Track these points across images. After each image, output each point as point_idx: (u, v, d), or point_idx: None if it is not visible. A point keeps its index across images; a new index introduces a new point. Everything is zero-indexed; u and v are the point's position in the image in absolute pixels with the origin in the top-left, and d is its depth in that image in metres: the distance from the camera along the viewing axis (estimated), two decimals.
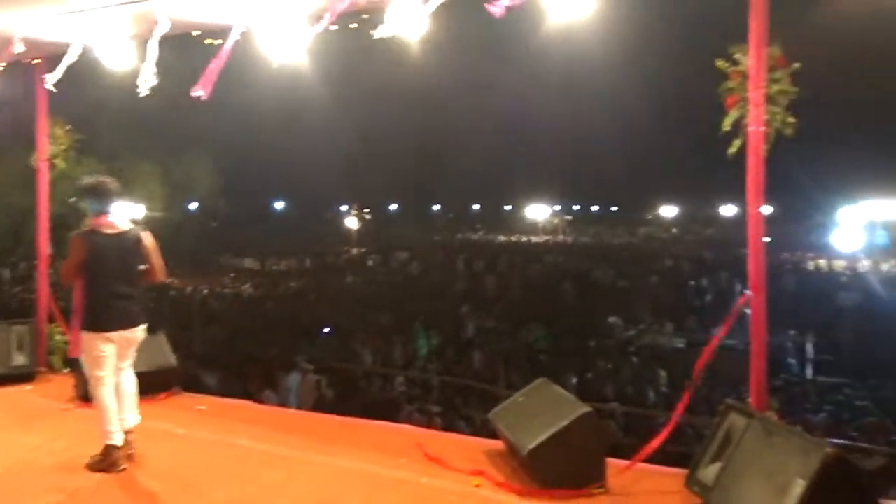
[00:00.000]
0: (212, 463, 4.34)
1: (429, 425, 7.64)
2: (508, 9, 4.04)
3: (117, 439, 4.11)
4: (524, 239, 49.14)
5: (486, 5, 4.00)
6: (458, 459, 4.22)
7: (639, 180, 55.68)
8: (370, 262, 32.43)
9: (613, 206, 69.11)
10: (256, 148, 39.70)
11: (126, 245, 4.25)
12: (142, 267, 4.31)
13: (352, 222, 44.12)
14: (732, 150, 3.84)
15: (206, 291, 22.69)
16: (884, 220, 39.04)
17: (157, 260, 4.40)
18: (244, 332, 15.50)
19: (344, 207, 50.59)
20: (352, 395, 10.21)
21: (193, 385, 8.36)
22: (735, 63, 3.83)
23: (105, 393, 4.15)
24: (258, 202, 50.63)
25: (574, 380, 11.12)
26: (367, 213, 50.38)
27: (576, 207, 67.16)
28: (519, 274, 25.06)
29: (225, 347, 13.58)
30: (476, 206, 70.19)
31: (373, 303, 18.96)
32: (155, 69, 5.01)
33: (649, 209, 61.38)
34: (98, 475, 4.05)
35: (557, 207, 59.56)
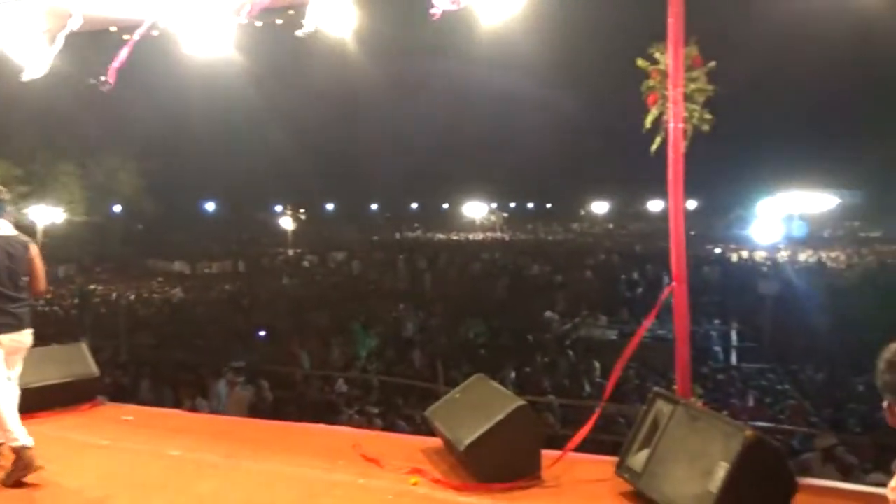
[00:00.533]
0: (139, 474, 4.17)
1: (368, 426, 7.59)
2: (446, 12, 4.06)
3: (24, 439, 3.88)
4: (462, 237, 49.45)
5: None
6: (396, 459, 4.20)
7: (571, 178, 57.09)
8: (306, 263, 31.93)
9: (548, 203, 70.50)
10: (184, 147, 38.48)
11: (14, 250, 4.10)
12: (25, 278, 4.12)
13: (287, 223, 43.28)
14: (654, 146, 3.97)
15: (132, 297, 21.84)
16: (801, 213, 41.25)
17: (40, 272, 4.26)
18: (174, 338, 15.01)
19: (278, 208, 49.63)
20: (290, 399, 10.03)
21: (119, 395, 8.05)
22: (655, 62, 3.96)
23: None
24: (187, 203, 49.03)
25: (513, 374, 11.29)
26: (302, 213, 49.53)
27: (512, 205, 68.14)
28: (458, 271, 25.20)
29: (154, 355, 13.12)
30: (414, 205, 70.22)
31: (310, 304, 18.69)
32: (53, 62, 4.79)
33: (582, 206, 62.95)
34: (12, 492, 3.82)
35: (494, 205, 60.29)
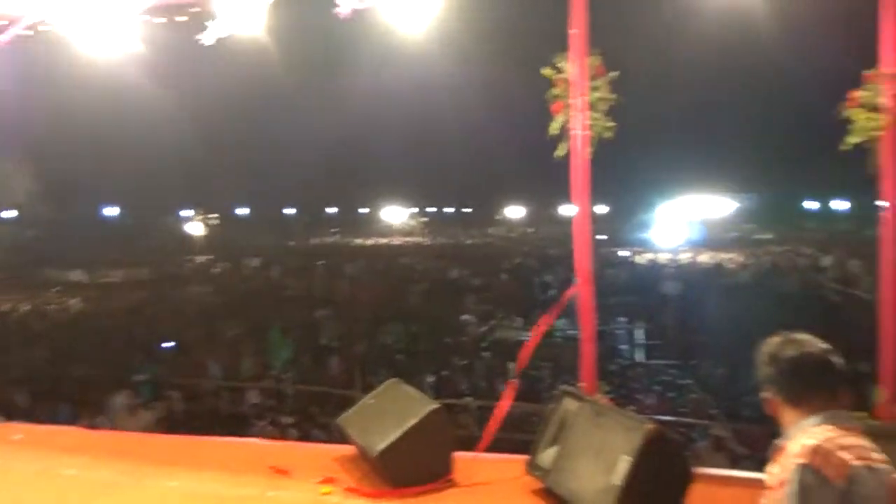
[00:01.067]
0: (30, 497, 3.91)
1: (282, 437, 7.42)
2: (355, 11, 4.05)
3: None
4: (382, 241, 49.23)
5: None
6: (309, 469, 4.12)
7: (489, 183, 58.05)
8: (217, 270, 30.84)
9: (467, 207, 71.32)
10: (83, 149, 36.40)
11: None
12: None
13: (197, 228, 41.68)
14: (559, 152, 4.10)
15: (27, 308, 20.41)
16: (700, 216, 43.67)
17: None
18: (73, 352, 14.14)
19: (188, 212, 47.72)
20: (199, 412, 9.67)
21: (14, 413, 7.53)
22: (560, 72, 4.09)
23: None
24: (86, 208, 46.31)
25: (432, 378, 11.36)
26: (213, 218, 47.83)
27: (431, 209, 68.49)
28: (376, 276, 25.06)
29: (51, 370, 12.32)
30: (332, 210, 69.23)
31: (222, 313, 18.07)
32: None
33: (499, 210, 64.20)
34: None
35: (414, 210, 60.41)
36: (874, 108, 3.54)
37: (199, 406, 9.97)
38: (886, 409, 3.57)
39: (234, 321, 16.57)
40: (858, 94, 3.58)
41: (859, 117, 3.56)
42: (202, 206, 45.43)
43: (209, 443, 4.93)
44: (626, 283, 21.08)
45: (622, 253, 31.53)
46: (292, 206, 66.69)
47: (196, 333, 15.53)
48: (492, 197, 61.13)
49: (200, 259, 35.41)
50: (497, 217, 64.07)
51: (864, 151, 3.66)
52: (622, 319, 16.36)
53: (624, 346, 15.16)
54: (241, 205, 62.47)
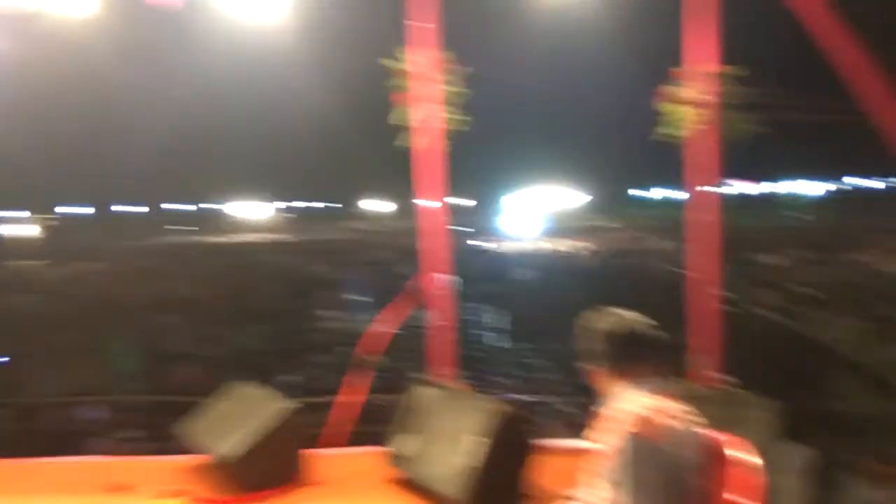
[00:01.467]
0: None
1: (126, 452, 6.86)
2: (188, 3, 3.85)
3: None
4: (239, 238, 47.18)
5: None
6: (153, 483, 3.86)
7: (356, 177, 57.66)
8: (49, 276, 28.07)
9: (335, 202, 70.23)
10: None
11: None
12: None
13: (24, 230, 37.63)
14: (400, 142, 4.10)
15: None
16: (558, 208, 46.10)
17: None
18: None
19: (13, 213, 42.92)
20: (30, 432, 8.73)
21: None
22: (402, 62, 4.07)
23: None
24: None
25: (291, 377, 11.08)
26: (51, 219, 43.37)
27: (300, 205, 66.85)
28: (232, 275, 24.00)
29: None
30: (186, 206, 65.22)
31: (56, 322, 16.47)
32: None
33: (366, 204, 64.03)
34: None
35: (281, 205, 58.61)
36: (681, 102, 3.88)
37: (30, 426, 8.99)
38: (701, 375, 3.97)
39: (71, 330, 15.18)
40: (668, 89, 3.91)
41: (669, 110, 3.89)
42: (33, 207, 41.04)
43: (41, 464, 4.46)
44: (487, 271, 21.81)
45: (484, 243, 32.53)
46: (139, 205, 62.20)
47: (26, 346, 14.03)
48: (359, 191, 60.82)
49: (32, 264, 32.03)
50: (364, 211, 63.84)
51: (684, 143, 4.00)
52: (483, 306, 16.90)
53: (484, 332, 15.65)
54: (79, 204, 57.33)
